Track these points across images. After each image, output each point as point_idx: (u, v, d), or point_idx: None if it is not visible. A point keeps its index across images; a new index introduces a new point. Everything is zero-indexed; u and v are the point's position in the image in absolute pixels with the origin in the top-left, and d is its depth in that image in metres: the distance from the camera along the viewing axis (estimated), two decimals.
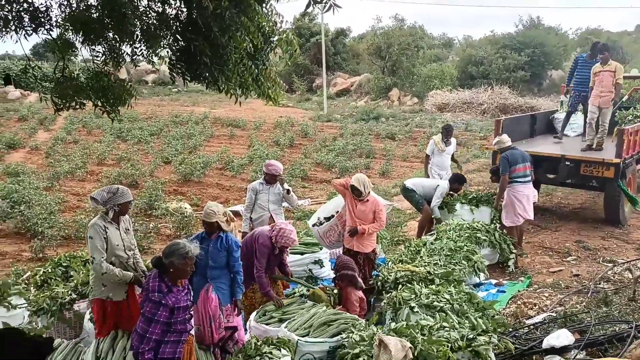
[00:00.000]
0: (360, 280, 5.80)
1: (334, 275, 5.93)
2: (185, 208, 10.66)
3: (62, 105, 4.69)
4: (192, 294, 4.28)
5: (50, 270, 6.24)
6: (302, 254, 7.30)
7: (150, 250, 8.57)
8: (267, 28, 4.54)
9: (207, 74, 4.45)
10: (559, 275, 7.41)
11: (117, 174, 13.34)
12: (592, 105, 9.81)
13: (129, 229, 4.93)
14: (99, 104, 4.82)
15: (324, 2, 3.45)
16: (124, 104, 4.95)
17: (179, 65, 4.56)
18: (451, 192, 8.75)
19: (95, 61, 4.90)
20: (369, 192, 6.33)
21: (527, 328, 5.53)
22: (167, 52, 4.65)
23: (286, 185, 7.09)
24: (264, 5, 4.29)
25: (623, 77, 16.58)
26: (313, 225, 6.99)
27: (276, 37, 4.69)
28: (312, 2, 3.47)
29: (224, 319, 4.99)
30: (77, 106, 4.77)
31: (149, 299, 3.88)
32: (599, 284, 6.70)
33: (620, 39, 43.27)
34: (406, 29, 35.29)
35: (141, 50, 4.79)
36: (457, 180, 8.74)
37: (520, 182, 7.87)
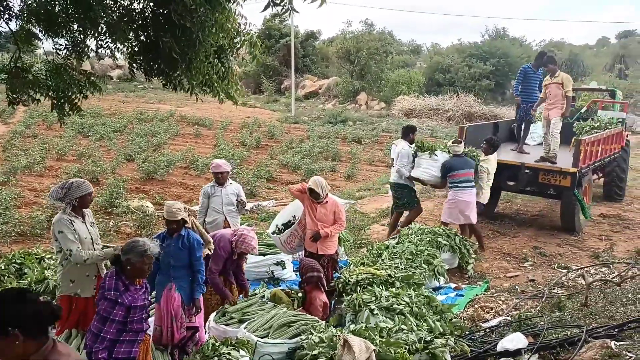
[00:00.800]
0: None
1: (300, 280, 5.91)
2: (147, 207, 10.48)
3: (17, 98, 4.54)
4: (149, 293, 4.22)
5: (3, 267, 6.08)
6: (264, 255, 7.28)
7: None
8: (231, 28, 4.51)
9: (171, 71, 4.38)
10: (515, 280, 7.59)
11: (77, 170, 13.03)
12: (544, 119, 9.99)
13: (93, 223, 4.89)
14: (55, 101, 4.68)
15: (282, 4, 3.44)
16: (76, 106, 4.80)
17: (139, 61, 4.48)
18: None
19: (58, 54, 4.78)
20: (327, 194, 6.36)
21: (483, 331, 5.65)
22: (128, 46, 4.55)
23: (248, 206, 7.05)
24: (230, 3, 4.26)
25: (582, 88, 17.15)
26: (273, 233, 6.95)
27: (239, 39, 4.66)
28: (270, 4, 3.46)
29: (186, 319, 4.93)
30: (29, 101, 4.63)
31: (104, 297, 3.80)
32: (553, 289, 6.89)
33: (582, 52, 44.70)
34: (375, 34, 35.64)
35: (107, 43, 4.69)
36: (409, 131, 9.02)
37: (460, 187, 8.25)
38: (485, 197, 8.64)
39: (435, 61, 36.28)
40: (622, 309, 5.50)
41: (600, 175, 12.23)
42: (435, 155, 8.63)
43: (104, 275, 4.36)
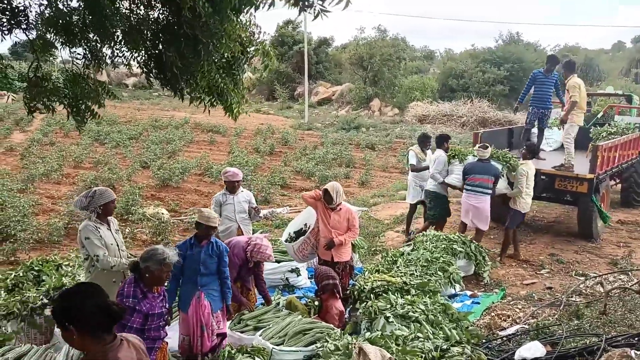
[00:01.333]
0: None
1: (316, 288, 5.91)
2: (163, 214, 10.56)
3: (34, 106, 4.62)
4: (167, 300, 4.25)
5: (21, 274, 6.11)
6: (278, 262, 7.28)
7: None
8: (244, 38, 4.54)
9: (175, 83, 4.44)
10: (532, 287, 7.51)
11: (93, 178, 13.17)
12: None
13: (118, 230, 4.99)
14: (70, 110, 4.75)
15: (312, 7, 3.45)
16: (94, 113, 4.86)
17: (154, 69, 4.54)
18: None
19: (76, 63, 4.85)
20: (341, 202, 6.36)
21: (500, 339, 5.59)
22: (141, 55, 4.61)
23: (262, 212, 7.16)
24: (242, 14, 4.29)
25: (599, 94, 16.96)
26: (285, 241, 6.96)
27: (253, 48, 4.69)
28: (303, 8, 3.47)
29: (215, 326, 4.97)
30: (47, 110, 4.70)
31: (123, 304, 3.82)
32: (571, 297, 6.81)
33: (597, 56, 44.26)
34: (388, 40, 35.61)
35: (122, 52, 4.75)
36: (443, 140, 9.16)
37: (471, 191, 8.35)
38: (524, 206, 8.42)
39: (449, 67, 36.14)
40: None
41: (618, 181, 12.08)
42: (467, 160, 8.70)
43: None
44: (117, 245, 4.78)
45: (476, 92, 30.90)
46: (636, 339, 4.79)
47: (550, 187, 9.27)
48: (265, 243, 5.57)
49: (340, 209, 6.32)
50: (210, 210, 5.10)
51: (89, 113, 4.72)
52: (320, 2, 3.49)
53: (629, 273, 7.71)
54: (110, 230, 4.78)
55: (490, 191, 8.31)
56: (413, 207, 9.61)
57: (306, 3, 3.48)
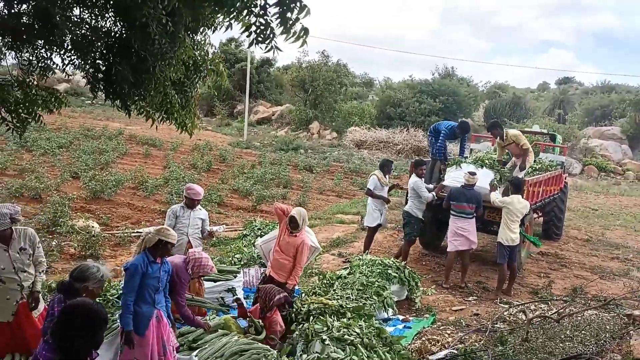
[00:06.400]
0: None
1: (265, 307, 5.89)
2: (93, 227, 10.18)
3: None
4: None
5: None
6: (215, 281, 7.21)
7: (51, 270, 8.07)
8: (198, 57, 4.56)
9: (125, 97, 4.39)
10: (460, 313, 7.80)
11: (18, 186, 12.51)
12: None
13: (25, 249, 4.69)
14: (10, 116, 4.56)
15: (267, 42, 3.53)
16: (37, 118, 4.69)
17: (101, 82, 4.47)
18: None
19: (21, 69, 4.70)
20: (302, 229, 6.46)
21: None
22: (91, 66, 4.52)
23: (216, 228, 7.32)
24: (197, 34, 4.31)
25: (526, 131, 17.94)
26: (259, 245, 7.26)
27: (205, 66, 4.70)
28: (254, 42, 3.54)
29: (175, 341, 4.95)
30: None
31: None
32: (496, 323, 7.12)
33: (524, 95, 46.86)
34: (331, 65, 36.25)
35: (72, 60, 4.64)
36: (419, 165, 9.54)
37: (452, 214, 8.89)
38: (505, 238, 8.55)
39: (387, 95, 37.14)
40: (560, 345, 5.76)
41: (540, 214, 12.78)
42: (460, 167, 9.45)
43: (49, 302, 4.23)
44: (14, 268, 4.55)
45: (412, 122, 31.94)
46: None
47: (480, 217, 9.70)
48: (204, 256, 5.56)
49: (297, 236, 6.38)
50: (169, 227, 5.02)
51: (30, 119, 4.56)
52: (274, 42, 3.58)
53: (549, 302, 8.16)
54: (8, 251, 4.55)
55: (472, 216, 8.82)
56: (372, 230, 9.81)
57: (259, 38, 3.56)
